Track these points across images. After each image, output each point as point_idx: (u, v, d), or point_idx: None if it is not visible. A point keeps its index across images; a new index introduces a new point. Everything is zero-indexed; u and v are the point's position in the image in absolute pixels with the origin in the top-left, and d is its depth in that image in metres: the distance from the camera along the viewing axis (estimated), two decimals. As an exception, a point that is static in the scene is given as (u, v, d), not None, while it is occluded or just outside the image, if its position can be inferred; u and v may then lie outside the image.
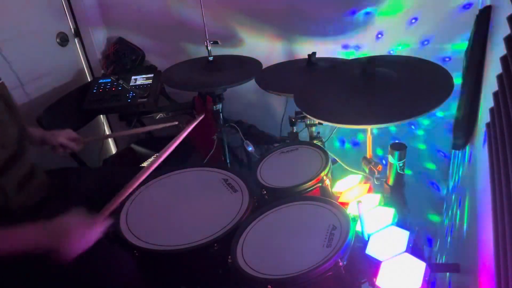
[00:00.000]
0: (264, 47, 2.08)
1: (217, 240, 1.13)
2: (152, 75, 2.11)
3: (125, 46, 2.30)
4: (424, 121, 1.91)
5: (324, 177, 1.33)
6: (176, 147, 1.27)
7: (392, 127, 1.96)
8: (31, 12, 2.01)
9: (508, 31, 0.72)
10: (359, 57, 1.88)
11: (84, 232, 1.00)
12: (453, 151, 1.74)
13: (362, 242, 1.12)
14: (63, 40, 2.20)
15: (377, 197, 1.32)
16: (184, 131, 1.35)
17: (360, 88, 1.25)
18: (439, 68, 1.25)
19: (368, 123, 1.19)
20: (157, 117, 2.10)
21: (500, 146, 0.71)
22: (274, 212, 1.24)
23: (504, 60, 0.76)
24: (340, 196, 1.39)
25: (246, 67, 1.85)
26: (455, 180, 1.59)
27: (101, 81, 2.11)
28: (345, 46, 1.93)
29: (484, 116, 1.00)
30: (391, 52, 1.83)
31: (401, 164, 1.26)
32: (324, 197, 1.25)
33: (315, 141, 1.60)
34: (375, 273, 1.03)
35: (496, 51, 0.92)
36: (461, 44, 1.67)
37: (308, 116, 1.28)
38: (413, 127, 1.95)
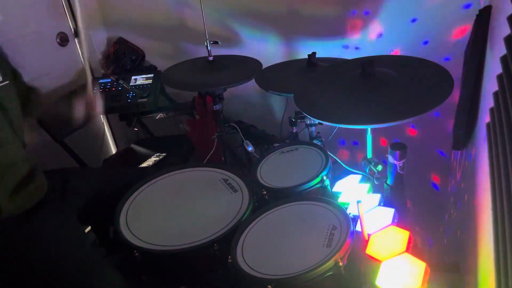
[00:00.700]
0: (264, 47, 2.08)
1: (217, 240, 1.13)
2: (152, 75, 2.11)
3: (125, 46, 2.31)
4: (424, 120, 1.91)
5: (324, 177, 1.33)
6: (176, 147, 1.26)
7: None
8: (31, 12, 2.01)
9: (508, 31, 0.72)
10: (359, 57, 1.88)
11: None
12: (453, 151, 1.74)
13: (362, 242, 1.12)
14: (63, 40, 2.20)
15: (377, 197, 1.32)
16: None
17: (360, 88, 1.25)
18: (439, 68, 1.25)
19: (368, 123, 1.19)
20: (157, 117, 2.10)
21: (500, 146, 0.71)
22: (274, 212, 1.24)
23: (504, 60, 0.76)
24: (340, 196, 1.39)
25: (246, 67, 1.85)
26: (455, 180, 1.59)
27: (101, 81, 2.11)
28: (345, 46, 1.93)
29: (484, 116, 1.00)
30: (391, 52, 1.84)
31: (401, 164, 1.26)
32: (324, 197, 1.25)
33: (315, 141, 1.60)
34: (375, 273, 1.03)
35: (496, 51, 0.92)
36: (461, 44, 1.66)
37: (308, 116, 1.28)
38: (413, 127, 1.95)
